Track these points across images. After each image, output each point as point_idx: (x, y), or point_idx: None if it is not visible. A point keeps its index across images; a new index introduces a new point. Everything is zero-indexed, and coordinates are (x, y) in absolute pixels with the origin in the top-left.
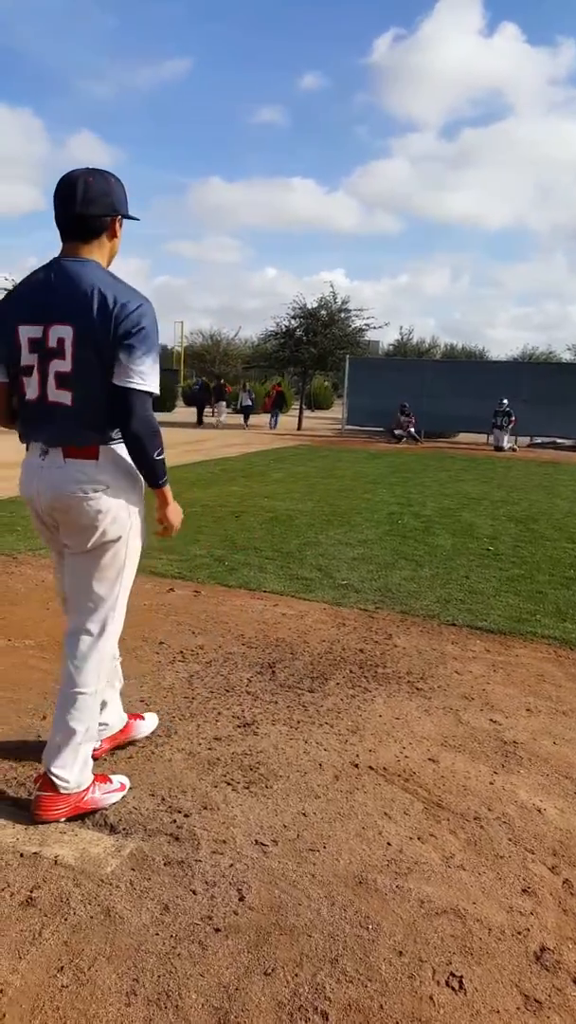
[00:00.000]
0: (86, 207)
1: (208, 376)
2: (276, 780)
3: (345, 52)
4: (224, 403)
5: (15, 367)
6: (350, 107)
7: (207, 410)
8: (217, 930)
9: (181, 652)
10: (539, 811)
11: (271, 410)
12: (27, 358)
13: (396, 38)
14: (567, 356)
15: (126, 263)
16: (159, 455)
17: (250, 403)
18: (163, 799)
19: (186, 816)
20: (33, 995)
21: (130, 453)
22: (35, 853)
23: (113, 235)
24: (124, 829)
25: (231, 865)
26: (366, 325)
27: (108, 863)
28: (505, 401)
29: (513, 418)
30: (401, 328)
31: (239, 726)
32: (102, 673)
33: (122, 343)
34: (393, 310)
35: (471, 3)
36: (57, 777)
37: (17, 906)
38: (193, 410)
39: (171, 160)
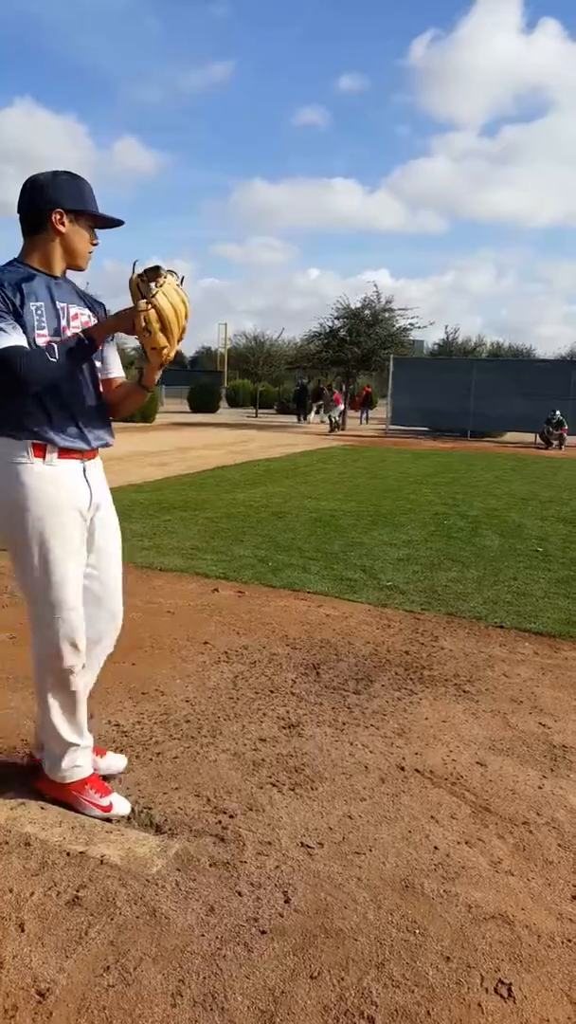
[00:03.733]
0: (20, 204)
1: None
2: (321, 782)
3: (382, 54)
4: (322, 403)
5: None
6: (389, 107)
7: (312, 415)
8: (263, 932)
9: (226, 652)
10: None
11: (361, 408)
12: None
13: (434, 39)
14: None
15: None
16: (53, 357)
17: (343, 406)
18: (208, 800)
19: (231, 817)
20: (79, 994)
21: (34, 385)
22: (81, 852)
23: (55, 232)
24: (170, 829)
25: (276, 867)
26: (410, 324)
27: (154, 863)
28: (557, 412)
29: (565, 426)
30: (447, 327)
31: (284, 727)
32: (47, 667)
33: None
34: (439, 309)
35: (510, 1)
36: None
37: (64, 905)
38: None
39: (214, 162)
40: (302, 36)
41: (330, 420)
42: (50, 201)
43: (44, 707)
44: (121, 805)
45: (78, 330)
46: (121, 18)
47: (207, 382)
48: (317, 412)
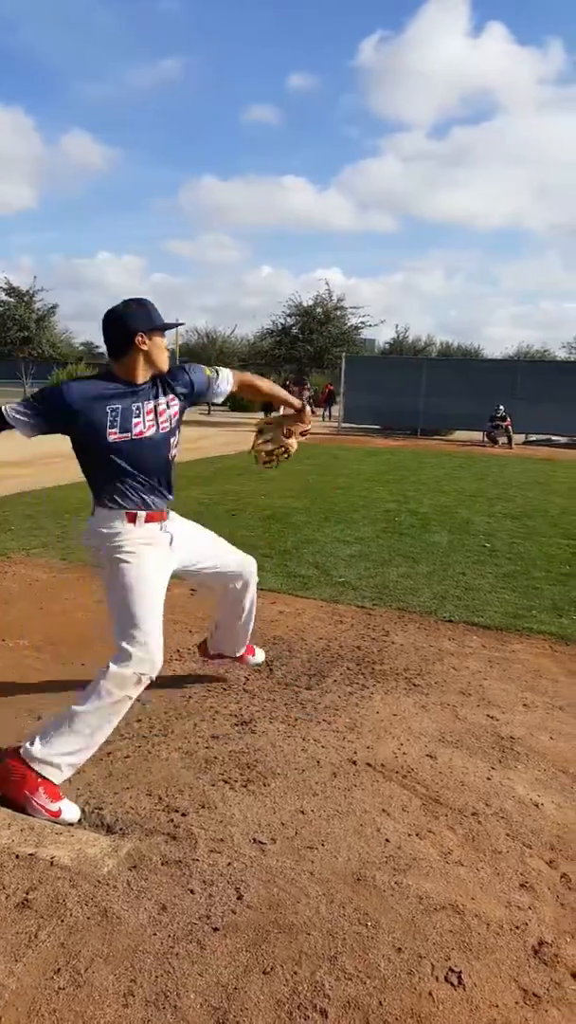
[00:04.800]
0: (106, 336)
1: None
2: (274, 778)
3: (332, 54)
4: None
5: None
6: (339, 107)
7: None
8: (215, 929)
9: (178, 651)
10: (536, 806)
11: (324, 404)
12: None
13: (382, 39)
14: (562, 354)
15: (122, 261)
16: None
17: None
18: (160, 798)
19: (183, 815)
20: (29, 998)
21: None
22: (31, 854)
23: (137, 350)
24: (121, 829)
25: (229, 864)
26: (362, 323)
27: (105, 863)
28: (501, 407)
29: (508, 420)
30: (397, 326)
31: (236, 724)
32: (108, 697)
33: None
34: (390, 308)
35: (457, 4)
36: (24, 751)
37: (13, 908)
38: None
39: (164, 158)
40: (252, 34)
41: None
42: (131, 330)
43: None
44: (71, 812)
45: (153, 421)
46: (68, 11)
47: None
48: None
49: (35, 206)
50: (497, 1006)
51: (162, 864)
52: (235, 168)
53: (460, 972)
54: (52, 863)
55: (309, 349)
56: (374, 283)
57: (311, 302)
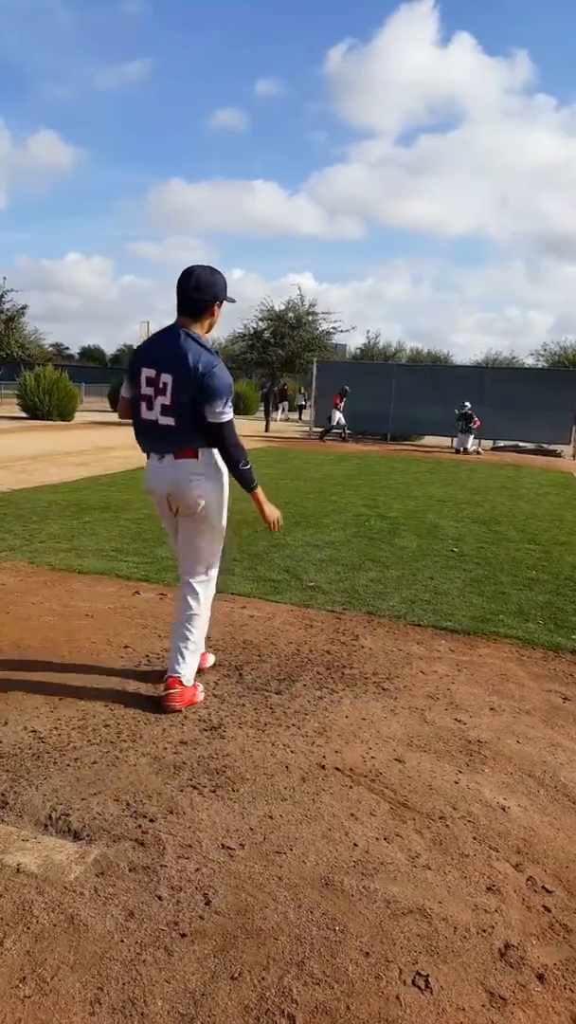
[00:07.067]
0: (196, 292)
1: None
2: (242, 783)
3: (299, 61)
4: (286, 403)
5: (138, 393)
6: (306, 114)
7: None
8: (183, 935)
9: (147, 656)
10: (503, 809)
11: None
12: (145, 390)
13: (350, 48)
14: (529, 361)
15: (91, 262)
16: (244, 465)
17: (304, 403)
18: (128, 804)
19: (151, 821)
20: None
21: (227, 465)
22: None
23: (211, 314)
24: (88, 835)
25: (197, 870)
26: (333, 328)
27: (72, 870)
28: (467, 404)
29: (477, 421)
30: (368, 332)
31: (205, 729)
32: (207, 600)
33: (203, 392)
34: (359, 314)
35: (425, 14)
36: (179, 674)
37: None
38: None
39: (132, 161)
40: (218, 38)
41: (339, 427)
42: (216, 295)
43: (201, 621)
44: (201, 685)
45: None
46: (31, 11)
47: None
48: (280, 410)
49: (2, 205)
50: (464, 1009)
51: (129, 870)
52: (203, 171)
53: (427, 976)
54: (18, 870)
55: (281, 354)
56: (344, 289)
57: (283, 307)
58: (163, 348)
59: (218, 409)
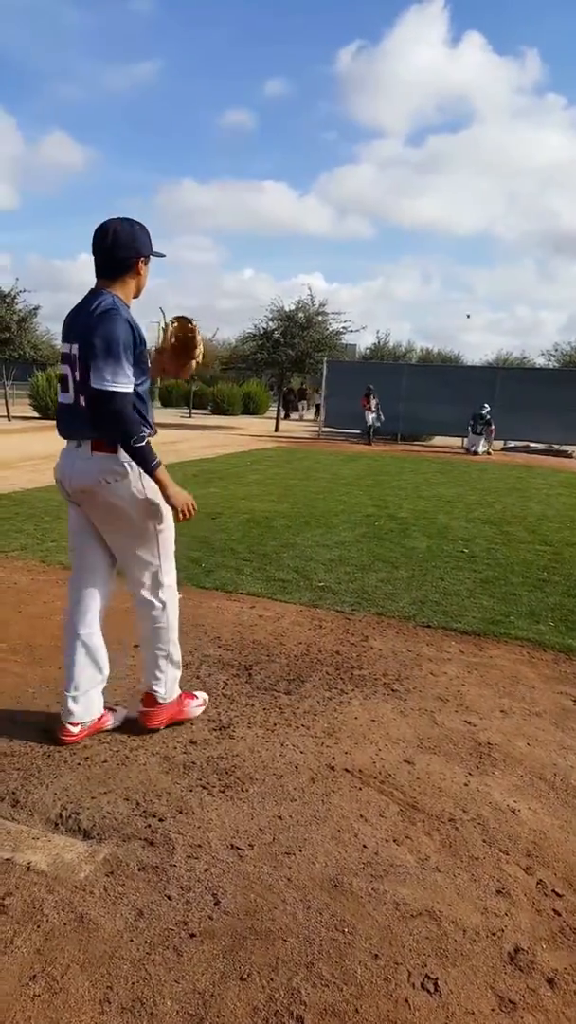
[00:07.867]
0: (115, 250)
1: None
2: (252, 783)
3: (309, 61)
4: (306, 402)
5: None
6: (315, 114)
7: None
8: (192, 935)
9: None
10: (513, 812)
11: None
12: (63, 368)
13: (360, 48)
14: (540, 361)
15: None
16: (138, 442)
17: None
18: (138, 804)
19: (161, 820)
20: (4, 1005)
21: (114, 444)
22: (7, 859)
23: (137, 273)
24: (98, 834)
25: (206, 870)
26: (343, 328)
27: (82, 869)
28: (487, 407)
29: (492, 426)
30: (378, 332)
31: (215, 729)
32: (173, 604)
33: (89, 351)
34: (369, 314)
35: (436, 14)
36: (155, 692)
37: None
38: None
39: (144, 161)
40: (227, 38)
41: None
42: (137, 250)
43: (169, 633)
44: (203, 694)
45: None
46: (40, 10)
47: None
48: (297, 409)
49: (16, 206)
50: (473, 1013)
51: (139, 870)
52: (212, 171)
53: (436, 979)
54: (29, 868)
55: (291, 353)
56: (355, 289)
57: (293, 307)
58: (73, 315)
59: (104, 373)
